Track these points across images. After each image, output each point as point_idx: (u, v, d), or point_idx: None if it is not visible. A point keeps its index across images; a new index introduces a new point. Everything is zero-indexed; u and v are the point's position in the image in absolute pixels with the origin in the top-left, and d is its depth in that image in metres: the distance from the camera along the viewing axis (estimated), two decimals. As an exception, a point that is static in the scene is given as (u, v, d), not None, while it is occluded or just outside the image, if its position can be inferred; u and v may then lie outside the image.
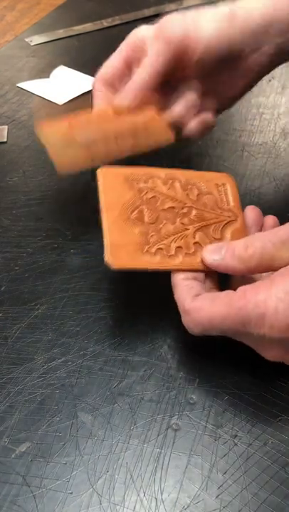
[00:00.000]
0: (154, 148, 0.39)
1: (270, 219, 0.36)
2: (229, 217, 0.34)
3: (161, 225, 0.32)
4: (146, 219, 0.32)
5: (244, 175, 0.47)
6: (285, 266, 0.28)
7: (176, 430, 0.29)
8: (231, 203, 0.35)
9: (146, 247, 0.31)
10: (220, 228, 0.34)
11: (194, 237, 0.32)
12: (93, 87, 0.43)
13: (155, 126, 0.40)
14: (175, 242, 0.32)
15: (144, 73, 0.39)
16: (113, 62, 0.42)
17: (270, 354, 0.29)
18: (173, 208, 0.33)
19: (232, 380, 0.31)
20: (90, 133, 0.39)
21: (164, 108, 0.41)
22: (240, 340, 0.29)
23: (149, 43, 0.40)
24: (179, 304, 0.30)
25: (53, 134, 0.40)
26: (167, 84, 0.41)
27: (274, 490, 0.26)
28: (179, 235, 0.32)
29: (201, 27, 0.38)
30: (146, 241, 0.32)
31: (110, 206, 0.32)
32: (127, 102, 0.39)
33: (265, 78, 0.62)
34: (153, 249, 0.31)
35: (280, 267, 0.28)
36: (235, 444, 0.28)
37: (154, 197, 0.34)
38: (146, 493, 0.26)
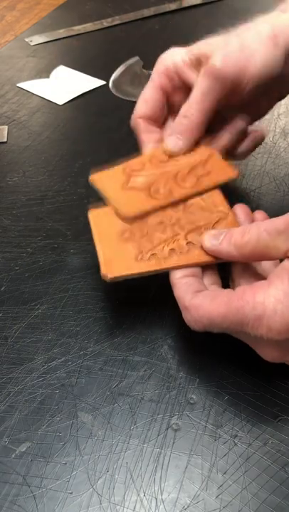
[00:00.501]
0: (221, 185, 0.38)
1: (260, 214, 0.35)
2: (218, 216, 0.34)
3: (152, 237, 0.33)
4: (137, 236, 0.33)
5: (244, 175, 0.47)
6: (281, 256, 0.28)
7: (176, 430, 0.29)
8: (219, 207, 0.35)
9: (140, 256, 0.32)
10: (211, 226, 0.33)
11: (186, 239, 0.33)
12: (135, 125, 0.40)
13: (214, 163, 0.38)
14: (168, 246, 0.32)
15: (194, 112, 0.36)
16: (151, 95, 0.39)
17: (270, 355, 0.29)
18: (162, 222, 0.34)
19: (232, 380, 0.31)
20: (146, 175, 0.38)
21: (209, 134, 0.40)
22: (240, 339, 0.30)
23: (187, 72, 0.38)
24: (179, 301, 0.30)
25: (109, 182, 0.38)
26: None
27: (274, 490, 0.26)
28: (171, 239, 0.33)
29: (250, 58, 0.35)
30: (139, 251, 0.32)
31: (101, 234, 0.33)
32: (180, 146, 0.38)
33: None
34: (147, 256, 0.32)
35: (276, 257, 0.28)
36: (235, 444, 0.28)
37: (142, 219, 0.34)
38: (146, 493, 0.26)
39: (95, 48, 0.74)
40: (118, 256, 0.32)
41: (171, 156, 0.38)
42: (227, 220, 0.34)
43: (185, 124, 0.37)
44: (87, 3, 0.89)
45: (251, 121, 0.42)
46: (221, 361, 0.32)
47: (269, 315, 0.25)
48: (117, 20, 0.80)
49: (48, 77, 0.66)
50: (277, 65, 0.36)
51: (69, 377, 0.31)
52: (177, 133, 0.38)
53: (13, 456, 0.28)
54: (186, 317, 0.29)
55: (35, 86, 0.64)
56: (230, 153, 0.41)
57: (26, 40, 0.76)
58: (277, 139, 0.52)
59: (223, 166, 0.38)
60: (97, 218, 0.35)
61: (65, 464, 0.27)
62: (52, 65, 0.69)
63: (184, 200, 0.36)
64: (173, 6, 0.82)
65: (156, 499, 0.26)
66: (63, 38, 0.77)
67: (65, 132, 0.56)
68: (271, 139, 0.52)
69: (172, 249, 0.32)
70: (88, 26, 0.79)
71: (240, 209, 0.35)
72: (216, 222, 0.34)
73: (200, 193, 0.36)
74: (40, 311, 0.35)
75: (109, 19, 0.80)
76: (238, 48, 0.35)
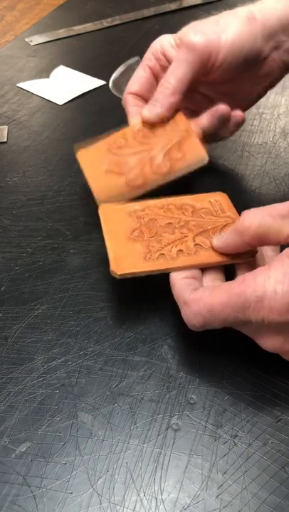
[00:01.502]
0: (188, 173, 0.40)
1: None
2: (226, 220, 0.35)
3: (160, 237, 0.34)
4: (146, 235, 0.34)
5: (244, 175, 0.47)
6: (283, 241, 0.28)
7: (176, 430, 0.29)
8: (227, 212, 0.36)
9: (149, 255, 0.33)
10: (218, 230, 0.34)
11: (194, 241, 0.33)
12: (124, 101, 0.43)
13: (189, 144, 0.40)
14: (176, 246, 0.33)
15: (170, 80, 0.39)
16: (139, 74, 0.43)
17: (269, 343, 0.29)
18: (170, 223, 0.35)
19: (232, 380, 0.31)
20: (127, 155, 0.40)
21: (193, 114, 0.42)
22: (240, 330, 0.29)
23: (171, 51, 0.41)
24: (178, 298, 0.30)
25: (93, 161, 0.41)
26: (194, 90, 0.42)
27: (274, 490, 0.26)
28: (179, 241, 0.33)
29: (222, 32, 0.38)
30: (148, 250, 0.33)
31: (111, 232, 0.35)
32: (157, 111, 0.40)
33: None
34: (155, 256, 0.33)
35: (278, 242, 0.29)
36: (235, 444, 0.28)
37: (151, 219, 0.35)
38: (146, 493, 0.26)
39: (95, 48, 0.74)
40: (127, 254, 0.33)
41: (149, 123, 0.41)
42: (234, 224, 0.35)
43: (160, 91, 0.40)
44: (87, 3, 0.89)
45: (243, 108, 0.44)
46: (221, 361, 0.32)
47: (270, 296, 0.26)
48: (117, 20, 0.80)
49: (48, 77, 0.66)
50: (252, 40, 0.39)
51: (69, 377, 0.31)
52: (154, 100, 0.40)
53: (13, 456, 0.28)
54: (186, 313, 0.29)
55: (35, 86, 0.64)
56: (211, 136, 0.43)
57: (26, 40, 0.76)
58: (277, 139, 0.52)
59: (197, 149, 0.40)
60: (107, 214, 0.36)
61: (65, 464, 0.27)
62: (52, 65, 0.69)
63: (158, 187, 0.39)
64: (173, 6, 0.82)
65: (156, 499, 0.26)
66: (63, 38, 0.77)
67: (65, 132, 0.56)
68: (271, 139, 0.52)
69: (180, 250, 0.33)
70: (88, 26, 0.79)
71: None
72: (223, 226, 0.35)
73: (173, 179, 0.39)
74: (40, 311, 0.35)
75: (109, 19, 0.80)
76: (213, 23, 0.39)
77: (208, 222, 0.35)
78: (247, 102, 0.45)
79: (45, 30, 0.79)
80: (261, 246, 0.32)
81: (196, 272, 0.32)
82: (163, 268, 0.32)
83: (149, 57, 0.43)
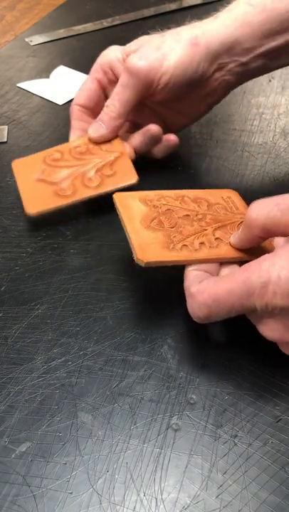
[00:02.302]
0: (118, 189, 0.41)
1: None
2: (241, 218, 0.35)
3: (181, 228, 0.34)
4: (165, 225, 0.34)
5: (244, 175, 0.47)
6: None
7: (176, 430, 0.29)
8: (240, 209, 0.37)
9: (172, 245, 0.33)
10: (236, 226, 0.35)
11: (214, 235, 0.34)
12: (70, 112, 0.46)
13: (121, 164, 0.43)
14: (198, 239, 0.33)
15: (116, 104, 0.42)
16: (87, 86, 0.45)
17: (271, 331, 0.29)
18: (188, 215, 0.35)
19: (232, 380, 0.31)
20: (60, 168, 0.42)
21: (139, 127, 0.44)
22: (246, 315, 0.29)
23: (118, 66, 0.43)
24: (186, 290, 0.31)
25: (27, 171, 0.43)
26: (142, 105, 0.44)
27: (274, 490, 0.26)
28: (200, 233, 0.34)
29: (164, 58, 0.40)
30: (170, 240, 0.33)
31: (131, 219, 0.34)
32: (102, 132, 0.43)
33: (265, 78, 0.63)
34: (178, 246, 0.33)
35: (286, 234, 0.29)
36: (235, 444, 0.28)
37: (168, 209, 0.35)
38: (146, 493, 0.26)
39: (95, 48, 0.74)
40: (150, 243, 0.33)
41: (94, 142, 0.43)
42: None
43: (106, 113, 0.42)
44: (87, 3, 0.89)
45: (189, 122, 0.47)
46: (221, 361, 0.32)
47: (274, 281, 0.26)
48: (117, 20, 0.80)
49: (48, 77, 0.66)
50: (195, 65, 0.40)
51: (69, 377, 0.31)
52: (99, 120, 0.43)
53: (13, 456, 0.28)
54: (191, 304, 0.30)
55: (35, 86, 0.64)
56: (144, 154, 0.45)
57: (26, 40, 0.76)
58: (277, 139, 0.52)
59: (128, 169, 0.42)
60: (123, 201, 0.36)
61: (65, 464, 0.27)
62: (52, 65, 0.69)
63: (89, 199, 0.41)
64: (173, 6, 0.82)
65: (156, 499, 0.26)
66: (63, 38, 0.77)
67: (65, 132, 0.55)
68: (271, 139, 0.52)
69: (202, 243, 0.33)
70: (88, 26, 0.79)
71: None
72: (240, 223, 0.35)
73: (102, 195, 0.41)
74: (40, 311, 0.35)
75: (109, 19, 0.80)
76: (156, 47, 0.40)
77: (224, 217, 0.35)
78: (192, 118, 0.47)
79: (45, 30, 0.79)
80: (270, 237, 0.32)
81: (213, 267, 0.32)
82: (189, 259, 0.32)
83: (97, 70, 0.45)
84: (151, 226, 0.34)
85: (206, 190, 0.38)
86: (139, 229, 0.33)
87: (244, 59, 0.41)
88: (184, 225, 0.34)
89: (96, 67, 0.45)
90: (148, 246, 0.32)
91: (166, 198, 0.36)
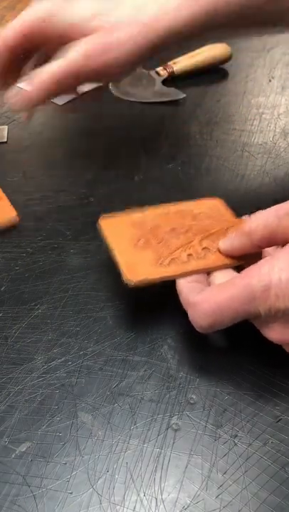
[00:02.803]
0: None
1: None
2: (228, 224, 0.35)
3: (168, 243, 0.34)
4: (153, 242, 0.34)
5: (244, 175, 0.47)
6: None
7: (176, 430, 0.29)
8: (225, 216, 0.37)
9: (160, 260, 0.32)
10: (223, 233, 0.34)
11: (201, 245, 0.34)
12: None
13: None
14: (185, 251, 0.33)
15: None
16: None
17: (276, 334, 0.29)
18: (174, 228, 0.35)
19: (232, 380, 0.31)
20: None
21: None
22: (250, 320, 0.29)
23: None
24: (183, 301, 0.30)
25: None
26: None
27: (274, 490, 0.26)
28: (187, 245, 0.34)
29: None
30: (158, 256, 0.33)
31: (117, 242, 0.34)
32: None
33: (265, 78, 0.62)
34: (166, 261, 0.32)
35: (286, 241, 0.29)
36: (235, 444, 0.28)
37: (154, 226, 0.35)
38: (146, 493, 0.26)
39: (95, 48, 0.74)
40: (138, 262, 0.33)
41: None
42: (238, 226, 0.35)
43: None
44: (87, 3, 0.89)
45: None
46: (221, 361, 0.32)
47: (275, 284, 0.26)
48: (117, 20, 0.80)
49: (48, 77, 0.66)
50: None
51: (69, 377, 0.31)
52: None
53: (13, 456, 0.28)
54: (193, 315, 0.29)
55: (35, 86, 0.64)
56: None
57: (26, 40, 0.76)
58: (277, 139, 0.52)
59: (6, 208, 0.43)
60: (108, 226, 0.36)
61: (65, 464, 0.27)
62: (52, 65, 0.69)
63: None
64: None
65: (156, 499, 0.26)
66: (63, 38, 0.76)
67: (65, 132, 0.56)
68: (271, 139, 0.52)
69: (190, 255, 0.33)
70: (88, 26, 0.79)
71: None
72: (226, 229, 0.35)
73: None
74: (40, 311, 0.35)
75: (109, 19, 0.80)
76: None
77: (210, 225, 0.35)
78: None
79: (45, 30, 0.79)
80: (270, 246, 0.32)
81: (201, 277, 0.32)
82: (178, 273, 0.32)
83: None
84: (138, 245, 0.34)
85: (189, 202, 0.38)
86: (126, 251, 0.33)
87: None
88: (171, 238, 0.34)
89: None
90: (136, 265, 0.32)
91: (150, 215, 0.37)
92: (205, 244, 0.34)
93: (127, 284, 0.31)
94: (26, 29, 0.39)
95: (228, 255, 0.32)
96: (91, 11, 0.38)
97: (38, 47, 0.41)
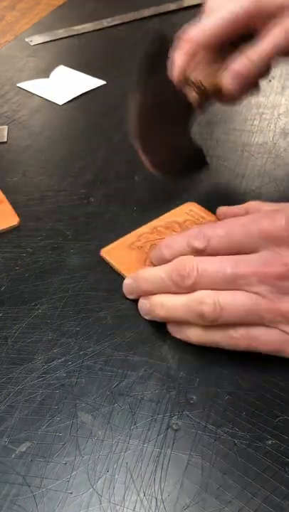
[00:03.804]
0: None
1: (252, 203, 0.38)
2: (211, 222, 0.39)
3: None
4: None
5: (244, 175, 0.47)
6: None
7: (176, 430, 0.29)
8: (206, 218, 0.40)
9: None
10: None
11: None
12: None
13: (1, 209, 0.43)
14: None
15: None
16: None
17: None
18: None
19: (232, 380, 0.31)
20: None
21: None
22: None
23: None
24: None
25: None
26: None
27: (274, 490, 0.26)
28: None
29: None
30: None
31: (128, 268, 0.37)
32: None
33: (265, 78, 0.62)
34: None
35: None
36: (235, 444, 0.28)
37: (152, 245, 0.38)
38: (146, 493, 0.26)
39: (95, 48, 0.74)
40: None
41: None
42: None
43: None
44: (87, 3, 0.89)
45: None
46: (221, 361, 0.32)
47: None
48: (117, 20, 0.80)
49: (48, 77, 0.66)
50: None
51: (69, 377, 0.31)
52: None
53: (13, 456, 0.28)
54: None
55: (35, 86, 0.64)
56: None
57: (26, 40, 0.76)
58: (277, 139, 0.52)
59: (8, 212, 0.43)
60: (111, 254, 0.38)
61: (65, 464, 0.27)
62: (52, 65, 0.69)
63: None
64: (173, 6, 0.82)
65: (156, 499, 0.26)
66: (63, 38, 0.77)
67: (65, 132, 0.56)
68: (271, 139, 0.52)
69: None
70: (88, 26, 0.79)
71: (221, 211, 0.39)
72: None
73: None
74: (40, 311, 0.35)
75: (109, 19, 0.80)
76: None
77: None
78: None
79: (45, 30, 0.79)
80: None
81: None
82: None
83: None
84: (147, 265, 0.36)
85: (168, 213, 0.41)
86: (134, 271, 0.35)
87: None
88: None
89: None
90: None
91: (143, 235, 0.39)
92: None
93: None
94: (245, 12, 0.38)
95: None
96: None
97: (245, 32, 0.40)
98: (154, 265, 0.34)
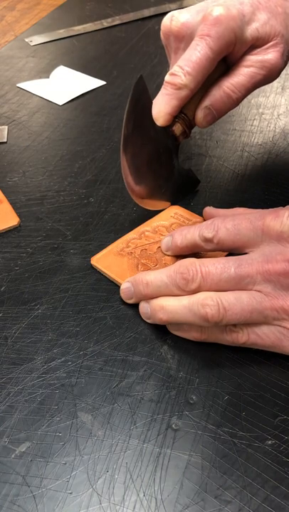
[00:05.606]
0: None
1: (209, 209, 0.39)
2: (196, 223, 0.39)
3: (163, 261, 0.37)
4: (151, 266, 0.37)
5: (244, 175, 0.47)
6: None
7: (176, 430, 0.29)
8: (192, 219, 0.41)
9: None
10: None
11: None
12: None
13: (1, 210, 0.43)
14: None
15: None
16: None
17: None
18: (159, 247, 0.38)
19: (232, 380, 0.31)
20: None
21: None
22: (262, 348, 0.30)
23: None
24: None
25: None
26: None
27: (274, 490, 0.26)
28: (179, 258, 0.36)
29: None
30: None
31: (119, 274, 0.37)
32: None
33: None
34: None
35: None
36: (235, 444, 0.28)
37: (142, 250, 0.38)
38: (146, 493, 0.26)
39: (95, 48, 0.74)
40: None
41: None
42: None
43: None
44: (87, 3, 0.89)
45: None
46: (220, 361, 0.32)
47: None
48: (117, 20, 0.80)
49: (48, 77, 0.66)
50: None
51: (69, 377, 0.31)
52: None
53: (13, 456, 0.28)
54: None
55: (35, 86, 0.64)
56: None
57: (26, 40, 0.76)
58: (277, 139, 0.52)
59: (9, 213, 0.43)
60: (101, 262, 0.38)
61: (65, 464, 0.27)
62: (52, 65, 0.69)
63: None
64: (173, 6, 0.82)
65: (156, 499, 0.26)
66: (63, 38, 0.77)
67: (65, 132, 0.56)
68: (271, 139, 0.52)
69: None
70: (88, 26, 0.79)
71: (207, 211, 0.40)
72: None
73: None
74: (40, 311, 0.35)
75: (109, 19, 0.80)
76: None
77: None
78: None
79: (45, 30, 0.79)
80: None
81: None
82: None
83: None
84: (139, 271, 0.36)
85: (153, 217, 0.41)
86: (127, 277, 0.36)
87: None
88: (161, 256, 0.37)
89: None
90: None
91: (132, 241, 0.39)
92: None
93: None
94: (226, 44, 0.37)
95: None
96: None
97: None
98: (163, 252, 0.36)
